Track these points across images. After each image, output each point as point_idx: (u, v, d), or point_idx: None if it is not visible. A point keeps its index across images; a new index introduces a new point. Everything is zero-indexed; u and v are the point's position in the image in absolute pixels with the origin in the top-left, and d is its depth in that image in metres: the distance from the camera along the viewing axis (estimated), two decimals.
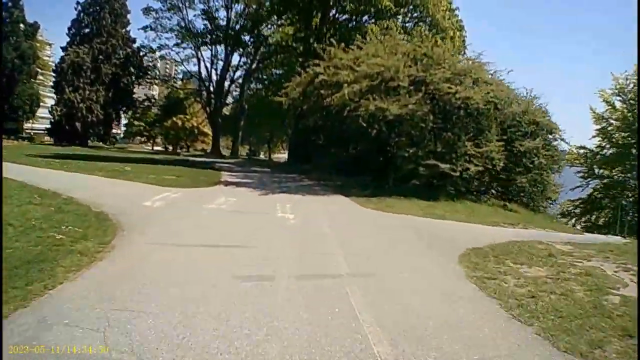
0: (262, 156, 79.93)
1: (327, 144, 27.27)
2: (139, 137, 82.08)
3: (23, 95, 58.39)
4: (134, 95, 55.12)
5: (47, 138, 54.84)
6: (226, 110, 62.90)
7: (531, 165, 22.30)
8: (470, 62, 22.38)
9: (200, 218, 10.49)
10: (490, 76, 21.69)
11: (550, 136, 24.22)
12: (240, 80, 57.92)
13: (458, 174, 18.72)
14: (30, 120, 62.54)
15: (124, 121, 79.47)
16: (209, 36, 53.85)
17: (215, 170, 27.26)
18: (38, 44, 64.19)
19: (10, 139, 54.90)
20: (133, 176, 18.80)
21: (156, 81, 58.59)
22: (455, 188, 19.53)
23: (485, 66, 21.78)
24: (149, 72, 56.04)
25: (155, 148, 77.65)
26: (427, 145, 19.19)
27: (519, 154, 21.77)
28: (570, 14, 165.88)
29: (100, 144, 55.60)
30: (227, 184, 19.44)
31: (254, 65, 55.55)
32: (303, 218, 11.32)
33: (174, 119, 62.27)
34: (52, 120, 50.20)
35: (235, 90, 59.66)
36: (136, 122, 67.32)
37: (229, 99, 61.04)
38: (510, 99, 22.94)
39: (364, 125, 17.95)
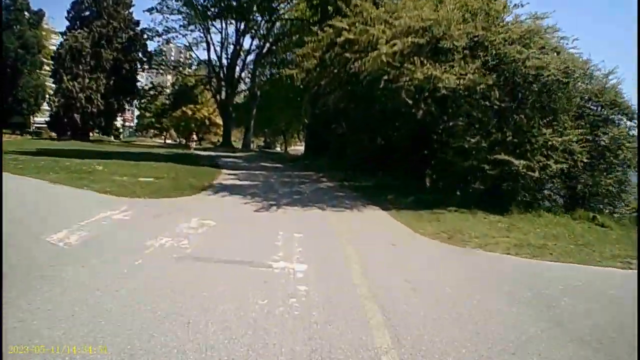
0: (278, 149, 74.24)
1: (351, 133, 21.68)
2: (152, 130, 77.68)
3: (27, 88, 53.92)
4: (138, 83, 49.92)
5: (54, 133, 50.42)
6: (239, 100, 57.44)
7: (616, 161, 16.30)
8: (536, 21, 16.38)
9: (102, 289, 4.99)
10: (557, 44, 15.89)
11: (629, 123, 18.16)
12: (252, 66, 52.21)
13: (536, 174, 13.04)
14: (36, 114, 58.28)
15: (136, 113, 75.15)
16: (215, 9, 47.65)
17: (216, 167, 21.94)
18: (44, 33, 59.73)
19: (15, 134, 50.77)
20: (95, 179, 13.74)
21: (162, 67, 53.00)
22: (530, 194, 13.90)
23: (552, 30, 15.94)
24: (154, 57, 50.66)
25: (168, 141, 73.18)
26: (492, 133, 13.47)
27: (600, 145, 15.84)
28: (570, 14, 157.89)
29: (106, 137, 51.14)
30: (218, 189, 14.01)
31: (265, 48, 49.73)
32: (322, 277, 5.75)
33: (184, 109, 57.27)
34: (51, 113, 45.40)
35: (248, 77, 53.96)
36: (147, 114, 62.66)
37: (242, 87, 55.55)
38: (587, 73, 17.03)
39: (409, 102, 12.33)
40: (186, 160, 24.45)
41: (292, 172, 21.58)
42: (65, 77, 43.21)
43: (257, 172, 20.71)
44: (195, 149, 41.58)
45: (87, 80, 43.41)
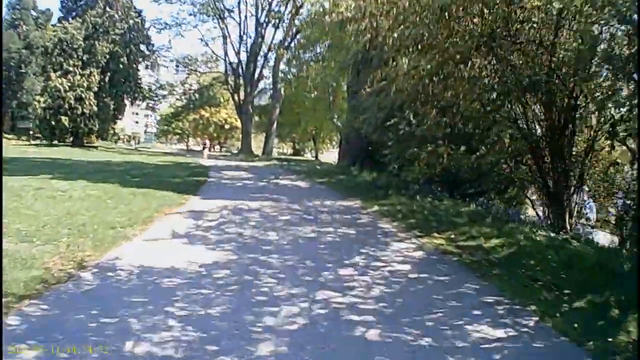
0: (308, 155, 63.38)
1: (427, 131, 11.32)
2: (175, 136, 69.17)
3: (33, 90, 45.89)
4: (139, 80, 40.52)
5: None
6: (264, 101, 47.46)
7: None
8: None
9: None
10: None
11: None
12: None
13: None
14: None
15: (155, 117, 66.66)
16: None
17: (189, 191, 11.97)
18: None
19: (21, 140, 42.88)
20: None
21: (171, 63, 43.48)
22: None
23: None
24: (155, 50, 41.31)
25: (197, 148, 64.34)
26: None
27: None
28: None
29: (112, 143, 42.31)
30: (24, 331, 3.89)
31: (289, 39, 39.43)
32: None
33: (201, 111, 47.99)
34: (39, 116, 36.47)
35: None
36: (157, 117, 53.88)
37: (264, 85, 45.69)
38: None
39: None
40: (160, 177, 14.91)
41: (320, 203, 11.16)
42: (52, 75, 34.37)
43: (255, 203, 10.46)
44: (209, 156, 31.79)
45: (78, 77, 34.39)
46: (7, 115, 53.58)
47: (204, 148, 32.43)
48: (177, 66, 44.58)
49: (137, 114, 74.38)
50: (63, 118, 33.93)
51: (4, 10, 54.80)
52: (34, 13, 55.52)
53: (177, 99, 47.28)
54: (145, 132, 79.62)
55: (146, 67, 41.94)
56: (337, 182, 16.63)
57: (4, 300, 3.83)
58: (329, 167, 28.60)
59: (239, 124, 48.68)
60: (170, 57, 42.64)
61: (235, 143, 59.74)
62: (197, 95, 45.77)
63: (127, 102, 41.09)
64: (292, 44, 39.63)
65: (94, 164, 20.88)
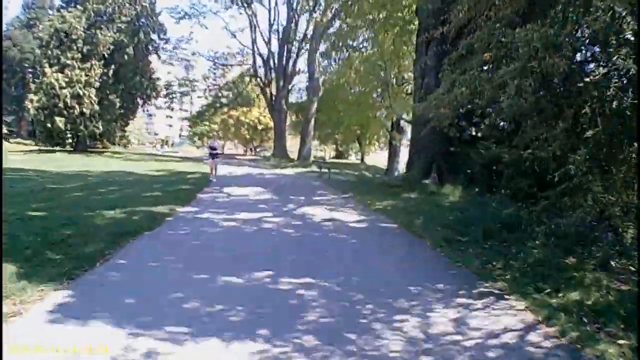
0: (352, 157, 55.25)
1: None
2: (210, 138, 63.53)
3: None
4: (152, 74, 34.40)
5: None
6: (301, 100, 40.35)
7: None
8: None
9: None
10: None
11: None
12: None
13: None
14: None
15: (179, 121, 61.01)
16: None
17: (83, 261, 5.08)
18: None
19: (38, 145, 37.99)
20: None
21: (191, 57, 37.03)
22: None
23: None
24: (167, 39, 35.00)
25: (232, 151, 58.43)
26: None
27: None
28: None
29: (120, 147, 36.45)
30: None
31: (325, 19, 31.91)
32: None
33: (231, 111, 41.69)
34: (35, 117, 30.65)
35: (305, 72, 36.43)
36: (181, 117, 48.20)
37: (300, 80, 38.81)
38: None
39: None
40: (94, 208, 8.09)
41: (424, 335, 3.98)
42: (48, 70, 28.63)
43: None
44: (216, 164, 21.59)
45: (76, 72, 28.52)
46: (24, 120, 49.69)
47: (211, 154, 19.52)
48: (214, 62, 38.47)
49: (170, 116, 69.54)
50: (58, 119, 28.12)
51: (19, 10, 51.06)
52: (51, 12, 51.12)
53: (198, 97, 41.17)
54: (180, 135, 74.48)
55: (160, 59, 35.77)
56: (410, 210, 9.18)
57: None
58: (378, 172, 21.33)
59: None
60: (192, 49, 36.46)
61: (272, 145, 53.43)
62: (223, 93, 39.44)
63: (139, 100, 35.05)
64: (331, 27, 32.43)
65: (56, 177, 14.65)
